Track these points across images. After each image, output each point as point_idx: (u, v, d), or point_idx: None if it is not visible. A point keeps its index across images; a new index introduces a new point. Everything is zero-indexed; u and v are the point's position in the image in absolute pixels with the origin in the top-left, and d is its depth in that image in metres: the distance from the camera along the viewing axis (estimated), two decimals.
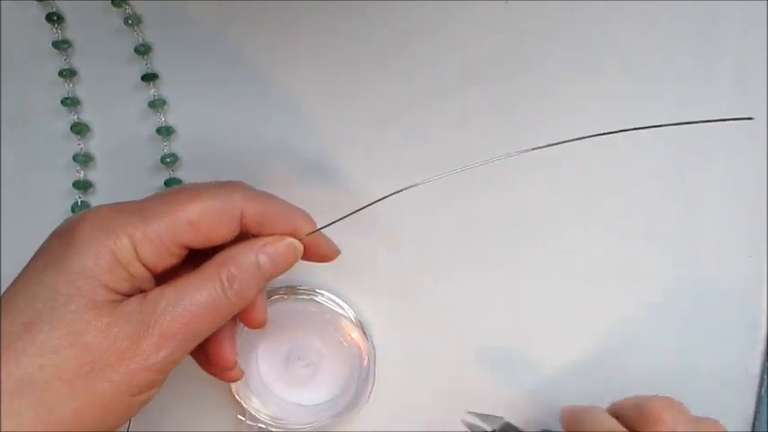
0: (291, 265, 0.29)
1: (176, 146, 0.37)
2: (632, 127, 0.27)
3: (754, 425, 0.36)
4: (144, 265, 0.26)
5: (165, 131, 0.37)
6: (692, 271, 0.36)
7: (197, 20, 0.36)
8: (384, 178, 0.36)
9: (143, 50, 0.36)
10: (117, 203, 0.28)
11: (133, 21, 0.36)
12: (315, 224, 0.29)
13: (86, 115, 0.37)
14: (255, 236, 0.29)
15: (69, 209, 0.37)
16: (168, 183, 0.37)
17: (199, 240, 0.27)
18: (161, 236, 0.26)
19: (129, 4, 0.36)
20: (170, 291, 0.26)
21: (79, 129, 0.37)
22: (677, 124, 0.28)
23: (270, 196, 0.29)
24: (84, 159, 0.37)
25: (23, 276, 0.26)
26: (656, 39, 0.35)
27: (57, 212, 0.38)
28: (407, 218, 0.36)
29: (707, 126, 0.35)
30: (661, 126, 0.28)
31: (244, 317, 0.29)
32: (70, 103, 0.37)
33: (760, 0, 0.34)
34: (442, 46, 0.36)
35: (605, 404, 0.33)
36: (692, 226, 0.35)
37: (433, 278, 0.36)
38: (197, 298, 0.26)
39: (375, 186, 0.36)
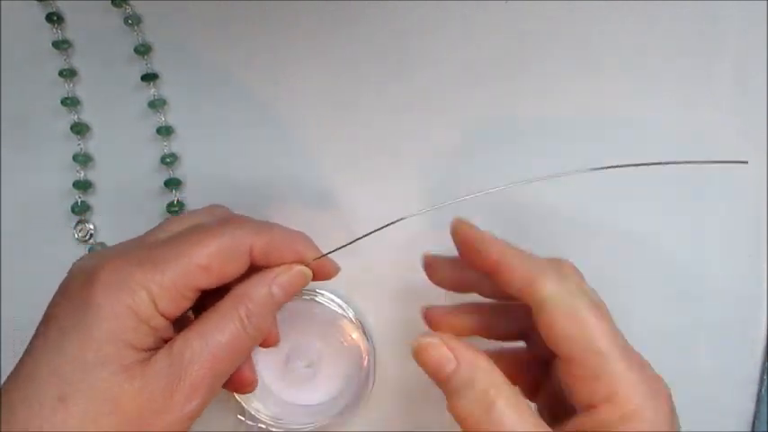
0: (302, 288, 0.29)
1: (176, 146, 0.37)
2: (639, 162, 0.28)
3: (754, 425, 0.36)
4: (162, 316, 0.26)
5: (165, 131, 0.37)
6: (692, 271, 0.36)
7: (197, 20, 0.36)
8: (383, 177, 0.36)
9: (143, 50, 0.36)
10: (123, 251, 0.27)
11: (133, 21, 0.36)
12: (317, 248, 0.30)
13: (86, 115, 0.37)
14: (263, 266, 0.29)
15: (69, 209, 0.37)
16: (168, 183, 0.37)
17: (212, 281, 0.27)
18: (175, 283, 0.26)
19: (129, 4, 0.36)
20: (193, 337, 0.26)
21: (79, 129, 0.37)
22: (676, 163, 0.28)
23: (272, 226, 0.29)
24: (84, 159, 0.37)
25: (41, 345, 0.26)
26: (656, 39, 0.35)
27: (57, 212, 0.38)
28: (409, 218, 0.36)
29: (708, 126, 0.35)
30: (657, 164, 0.28)
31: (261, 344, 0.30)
32: (70, 103, 0.37)
33: (760, 0, 0.34)
34: (442, 46, 0.36)
35: None
36: (691, 225, 0.35)
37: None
38: (219, 339, 0.27)
39: (374, 185, 0.36)
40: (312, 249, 0.29)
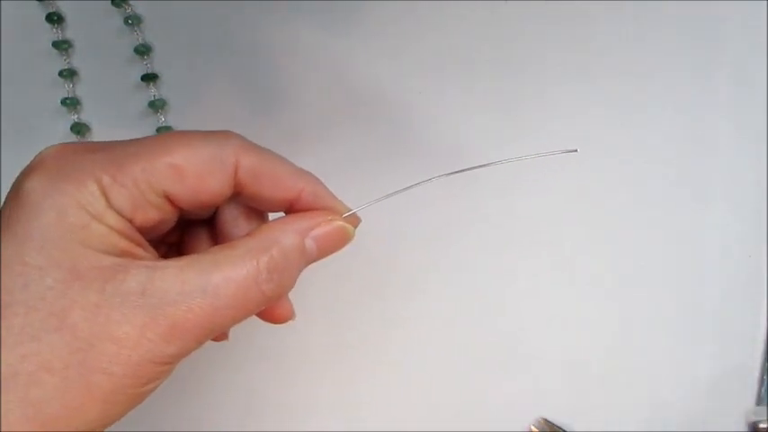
0: (332, 253, 0.25)
1: None
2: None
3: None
4: (121, 215, 0.21)
5: (165, 131, 0.36)
6: (692, 271, 0.36)
7: (197, 20, 0.36)
8: (382, 178, 0.36)
9: (143, 50, 0.36)
10: (82, 142, 0.23)
11: (133, 21, 0.36)
12: (331, 193, 0.25)
13: (86, 115, 0.37)
14: (252, 197, 0.24)
15: None
16: None
17: (184, 191, 0.22)
18: (136, 179, 0.21)
19: (129, 4, 0.36)
20: (190, 271, 0.21)
21: (79, 129, 0.37)
22: (506, 161, 0.28)
23: (270, 152, 0.25)
24: None
25: None
26: (656, 39, 0.35)
27: None
28: (414, 216, 0.36)
29: (708, 126, 0.35)
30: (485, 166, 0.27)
31: (266, 313, 0.25)
32: (70, 103, 0.37)
33: (760, 0, 0.34)
34: (442, 46, 0.36)
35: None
36: (691, 226, 0.35)
37: (434, 279, 0.36)
38: (223, 286, 0.21)
39: (373, 187, 0.36)
40: (327, 194, 0.25)
